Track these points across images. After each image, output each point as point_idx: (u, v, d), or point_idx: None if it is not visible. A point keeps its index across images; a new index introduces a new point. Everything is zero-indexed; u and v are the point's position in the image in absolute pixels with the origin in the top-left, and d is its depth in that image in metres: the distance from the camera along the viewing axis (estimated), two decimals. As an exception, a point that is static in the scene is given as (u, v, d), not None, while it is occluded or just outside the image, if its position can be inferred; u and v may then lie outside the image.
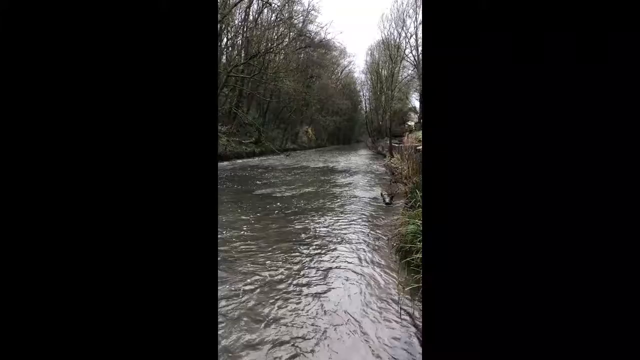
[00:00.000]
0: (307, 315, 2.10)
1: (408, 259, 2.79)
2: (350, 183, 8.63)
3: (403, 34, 24.31)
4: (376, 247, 3.49)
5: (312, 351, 1.74)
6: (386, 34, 24.42)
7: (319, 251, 3.37)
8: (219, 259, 2.98)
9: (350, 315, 2.10)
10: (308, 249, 3.42)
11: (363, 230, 4.17)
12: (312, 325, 1.99)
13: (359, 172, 11.30)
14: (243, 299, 2.30)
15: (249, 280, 2.60)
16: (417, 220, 3.29)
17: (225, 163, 13.36)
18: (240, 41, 21.03)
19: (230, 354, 1.71)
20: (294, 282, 2.61)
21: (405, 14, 24.20)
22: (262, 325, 1.98)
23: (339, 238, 3.82)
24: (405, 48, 24.41)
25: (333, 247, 3.49)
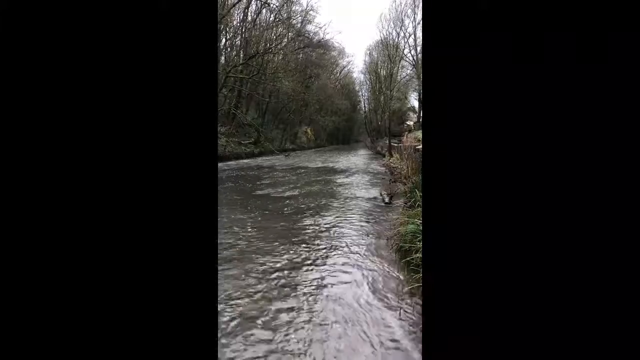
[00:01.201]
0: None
1: (408, 258, 2.80)
2: (350, 183, 8.63)
3: (402, 34, 24.34)
4: (376, 247, 3.50)
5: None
6: (385, 34, 24.46)
7: (321, 249, 3.38)
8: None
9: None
10: (312, 245, 3.43)
11: (363, 229, 4.18)
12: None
13: (358, 172, 11.31)
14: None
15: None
16: (416, 220, 3.30)
17: (225, 163, 13.35)
18: (238, 42, 21.02)
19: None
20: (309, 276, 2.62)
21: (403, 14, 24.24)
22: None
23: (339, 237, 3.83)
24: (404, 48, 24.44)
25: (333, 246, 3.50)
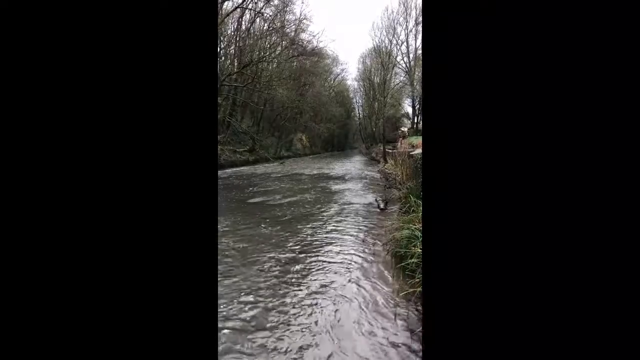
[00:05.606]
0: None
1: (403, 264, 2.82)
2: (345, 189, 8.65)
3: (394, 42, 24.66)
4: (373, 252, 3.51)
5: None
6: (377, 42, 24.78)
7: (319, 257, 3.39)
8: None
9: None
10: (312, 252, 3.44)
11: (359, 235, 4.20)
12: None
13: (353, 179, 11.33)
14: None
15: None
16: (411, 226, 3.32)
17: (220, 172, 13.30)
18: (233, 50, 21.11)
19: None
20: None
21: (395, 22, 24.61)
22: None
23: (336, 241, 3.84)
24: (397, 55, 24.75)
25: (330, 250, 3.51)
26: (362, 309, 2.29)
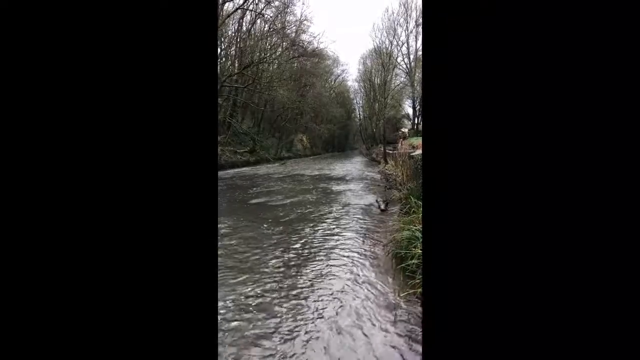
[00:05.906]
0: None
1: (403, 264, 2.82)
2: (346, 190, 8.65)
3: (395, 43, 24.73)
4: (374, 254, 3.51)
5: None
6: (378, 43, 24.83)
7: (321, 259, 3.39)
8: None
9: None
10: (312, 253, 3.44)
11: (360, 235, 4.20)
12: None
13: (354, 180, 11.34)
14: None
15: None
16: (411, 227, 3.33)
17: (220, 172, 13.31)
18: (233, 51, 21.16)
19: None
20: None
21: (396, 23, 24.70)
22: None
23: (337, 242, 3.85)
24: (397, 56, 24.81)
25: (332, 252, 3.51)
26: (366, 307, 2.30)
